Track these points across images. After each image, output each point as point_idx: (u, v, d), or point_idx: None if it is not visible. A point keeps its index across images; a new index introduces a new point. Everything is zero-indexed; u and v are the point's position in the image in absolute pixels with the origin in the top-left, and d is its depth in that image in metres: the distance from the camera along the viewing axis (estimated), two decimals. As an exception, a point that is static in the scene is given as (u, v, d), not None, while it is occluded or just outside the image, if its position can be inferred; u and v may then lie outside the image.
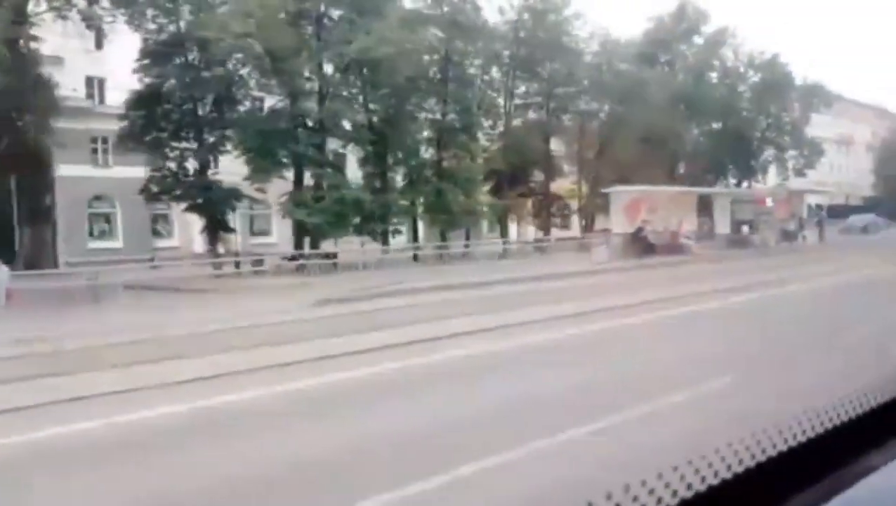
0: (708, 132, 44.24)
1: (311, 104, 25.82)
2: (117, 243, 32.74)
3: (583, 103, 38.45)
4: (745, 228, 27.63)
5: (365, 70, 25.57)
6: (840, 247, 29.34)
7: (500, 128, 34.13)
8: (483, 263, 25.32)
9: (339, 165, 26.73)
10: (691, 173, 41.86)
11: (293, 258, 26.32)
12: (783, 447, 0.87)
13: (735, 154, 44.46)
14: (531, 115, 36.99)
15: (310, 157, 25.34)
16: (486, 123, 34.30)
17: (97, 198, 32.30)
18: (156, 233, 34.24)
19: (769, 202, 29.34)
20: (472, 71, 34.30)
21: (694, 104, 42.84)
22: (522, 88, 37.08)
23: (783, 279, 15.61)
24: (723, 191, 28.68)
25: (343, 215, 26.02)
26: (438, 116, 30.17)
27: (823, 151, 47.18)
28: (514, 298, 14.56)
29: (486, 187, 34.61)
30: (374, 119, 27.93)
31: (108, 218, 33.82)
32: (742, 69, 44.39)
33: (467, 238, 32.40)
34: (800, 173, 46.19)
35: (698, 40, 45.15)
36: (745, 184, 47.06)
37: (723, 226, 27.37)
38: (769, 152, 47.03)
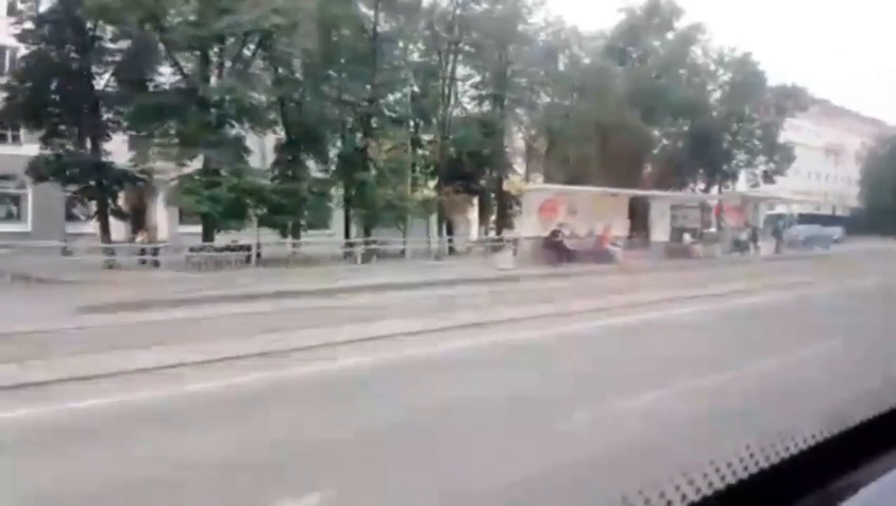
0: (675, 133, 41.74)
1: (208, 80, 23.27)
2: (25, 227, 30.51)
3: (535, 96, 36.00)
4: (687, 237, 25.15)
5: (264, 43, 22.96)
6: (790, 260, 26.99)
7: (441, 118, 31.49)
8: (389, 264, 22.76)
9: (238, 149, 24.06)
10: (657, 176, 39.40)
11: (202, 250, 23.74)
12: (785, 455, 0.88)
13: (704, 157, 42.00)
14: (486, 106, 34.53)
15: (205, 139, 22.72)
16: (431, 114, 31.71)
17: (3, 177, 29.90)
18: (72, 217, 31.72)
19: (717, 209, 26.86)
20: (416, 56, 31.82)
21: (661, 102, 40.39)
22: (476, 78, 34.58)
23: (676, 300, 13.19)
24: (660, 194, 26.14)
25: (240, 205, 23.46)
26: (364, 101, 27.60)
27: (794, 157, 44.62)
28: (364, 311, 12.13)
29: (433, 182, 32.27)
30: (286, 101, 25.45)
31: (15, 199, 31.58)
32: (712, 67, 41.83)
33: (414, 235, 29.69)
34: (769, 179, 43.67)
35: (670, 36, 42.65)
36: (714, 189, 44.64)
37: (661, 233, 24.85)
38: (741, 156, 44.54)
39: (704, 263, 23.24)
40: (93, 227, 31.53)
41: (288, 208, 24.99)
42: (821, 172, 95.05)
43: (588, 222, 21.82)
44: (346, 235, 28.92)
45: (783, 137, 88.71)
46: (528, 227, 20.27)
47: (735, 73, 41.65)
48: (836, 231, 44.94)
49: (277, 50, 23.20)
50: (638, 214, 24.93)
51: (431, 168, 31.94)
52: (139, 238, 27.54)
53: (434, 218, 31.60)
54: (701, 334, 9.86)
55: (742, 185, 44.80)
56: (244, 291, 14.20)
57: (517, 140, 37.78)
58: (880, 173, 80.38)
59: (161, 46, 23.44)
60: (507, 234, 31.21)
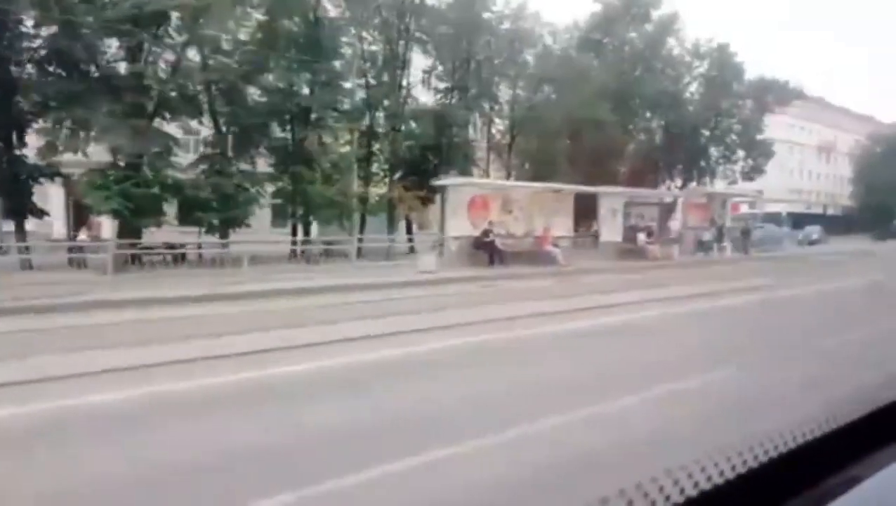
0: (651, 128, 39.96)
1: (118, 63, 21.56)
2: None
3: (499, 88, 34.24)
4: (642, 237, 23.36)
5: (184, 25, 21.23)
6: (753, 262, 25.25)
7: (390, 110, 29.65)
8: (325, 266, 21.02)
9: (159, 140, 22.31)
10: (631, 173, 37.62)
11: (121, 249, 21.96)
12: (774, 454, 0.87)
13: (680, 153, 40.25)
14: (450, 98, 32.74)
15: (115, 127, 20.94)
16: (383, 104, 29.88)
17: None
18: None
19: (678, 207, 25.01)
20: (372, 45, 30.04)
21: (636, 96, 38.68)
22: (438, 68, 32.79)
23: (609, 307, 11.51)
24: (610, 190, 24.31)
25: (155, 201, 21.72)
26: (303, 89, 25.85)
27: (773, 153, 42.78)
28: (211, 324, 10.37)
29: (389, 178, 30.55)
30: (212, 88, 23.72)
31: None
32: (687, 58, 40.01)
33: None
34: (748, 177, 41.86)
35: (648, 28, 40.87)
36: (692, 186, 42.87)
37: (613, 232, 23.02)
38: (719, 153, 42.75)
39: (655, 266, 21.47)
40: (32, 224, 29.92)
41: (211, 205, 23.28)
42: (812, 171, 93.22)
43: (526, 221, 20.01)
44: (294, 233, 27.23)
45: (775, 133, 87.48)
46: (454, 226, 18.39)
47: (711, 65, 39.84)
48: (815, 230, 43.22)
49: (198, 34, 21.40)
50: (588, 212, 23.18)
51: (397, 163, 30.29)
52: (81, 236, 25.81)
53: (400, 215, 30.02)
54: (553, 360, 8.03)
55: (720, 182, 43.07)
56: (99, 297, 12.45)
57: (482, 134, 36.09)
58: (874, 172, 78.50)
59: (86, 31, 21.71)
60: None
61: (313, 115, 25.86)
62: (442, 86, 32.58)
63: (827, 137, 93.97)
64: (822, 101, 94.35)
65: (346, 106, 27.31)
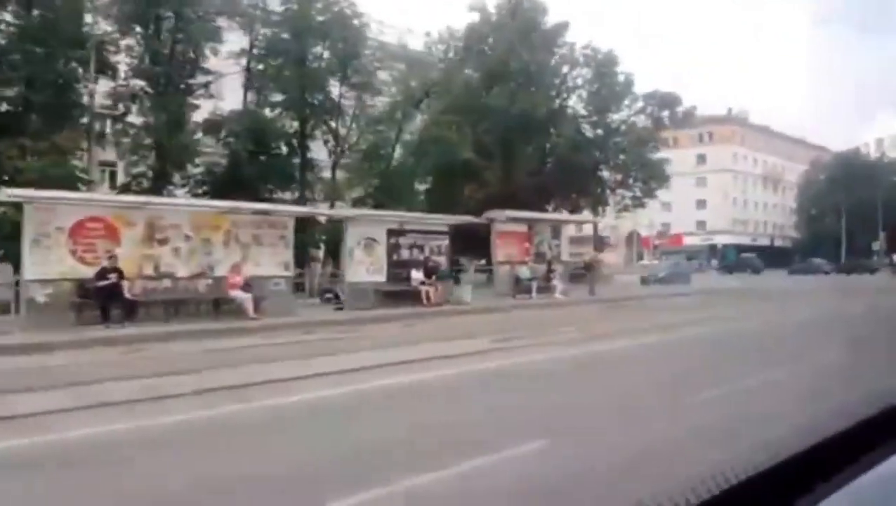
0: (524, 151, 34.30)
1: None
2: None
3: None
4: (417, 275, 17.50)
5: None
6: (584, 306, 19.44)
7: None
8: None
9: None
10: (523, 199, 32.05)
11: None
12: (765, 467, 0.86)
13: (568, 176, 34.66)
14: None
15: None
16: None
17: None
18: None
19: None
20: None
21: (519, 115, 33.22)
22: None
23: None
24: (359, 213, 18.49)
25: None
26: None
27: (669, 177, 37.43)
28: None
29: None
30: None
31: None
32: (565, 69, 34.81)
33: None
34: (638, 203, 36.40)
35: (534, 39, 35.66)
36: (584, 214, 37.35)
37: (370, 271, 16.94)
38: (612, 175, 37.35)
39: (419, 316, 15.58)
40: None
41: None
42: (758, 201, 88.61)
43: (200, 255, 13.96)
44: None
45: (718, 162, 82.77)
46: (38, 263, 12.12)
47: (594, 76, 34.67)
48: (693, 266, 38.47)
49: None
50: (330, 244, 17.28)
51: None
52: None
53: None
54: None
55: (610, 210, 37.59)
56: None
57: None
58: (818, 201, 73.97)
59: None
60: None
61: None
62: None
63: (776, 167, 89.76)
64: (767, 129, 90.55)
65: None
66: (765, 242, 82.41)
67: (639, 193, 35.88)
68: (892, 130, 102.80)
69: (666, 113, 35.96)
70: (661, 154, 36.87)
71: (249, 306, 14.08)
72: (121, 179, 22.51)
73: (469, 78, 34.40)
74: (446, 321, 14.97)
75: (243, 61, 26.24)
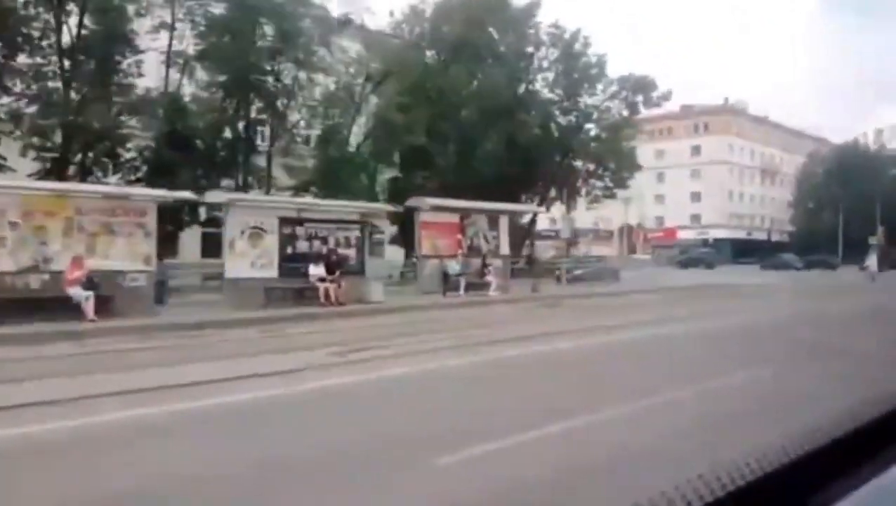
0: (486, 137, 32.00)
1: None
2: None
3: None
4: (316, 270, 15.30)
5: None
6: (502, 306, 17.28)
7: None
8: None
9: None
10: (484, 188, 29.93)
11: None
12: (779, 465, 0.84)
13: (535, 165, 32.43)
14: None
15: None
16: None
17: None
18: None
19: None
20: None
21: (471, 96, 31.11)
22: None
23: None
24: (240, 198, 16.36)
25: None
26: None
27: (640, 166, 35.03)
28: None
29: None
30: None
31: None
32: (530, 49, 32.50)
33: None
34: (609, 194, 34.11)
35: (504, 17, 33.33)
36: (555, 207, 35.21)
37: (252, 265, 14.70)
38: (584, 166, 35.06)
39: (302, 319, 13.47)
40: None
41: None
42: (755, 195, 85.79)
43: (35, 245, 11.88)
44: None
45: (713, 154, 79.88)
46: None
47: (562, 56, 32.36)
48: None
49: None
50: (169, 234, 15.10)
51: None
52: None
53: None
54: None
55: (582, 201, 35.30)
56: None
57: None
58: (816, 194, 71.22)
59: None
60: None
61: None
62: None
63: (773, 159, 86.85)
64: (765, 120, 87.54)
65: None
66: (762, 236, 79.49)
67: (610, 183, 33.58)
68: (893, 120, 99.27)
69: (640, 98, 33.60)
70: (634, 142, 34.52)
71: (88, 306, 12.00)
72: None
73: (429, 59, 32.27)
74: (324, 325, 12.86)
75: (166, 36, 24.08)
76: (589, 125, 33.53)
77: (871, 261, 30.46)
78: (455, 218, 19.05)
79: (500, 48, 32.10)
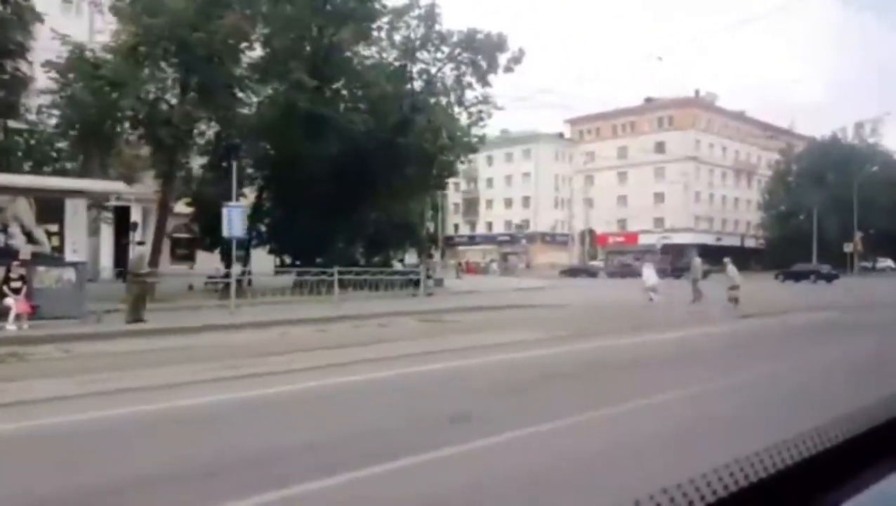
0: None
1: None
2: None
3: None
4: None
5: None
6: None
7: None
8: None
9: None
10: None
11: None
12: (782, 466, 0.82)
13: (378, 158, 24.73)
14: None
15: None
16: None
17: None
18: None
19: None
20: None
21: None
22: None
23: None
24: None
25: None
26: None
27: (476, 148, 27.26)
28: None
29: None
30: None
31: None
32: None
33: None
34: (439, 184, 26.46)
35: None
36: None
37: None
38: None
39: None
40: None
41: None
42: (727, 196, 76.91)
43: None
44: None
45: (678, 150, 71.08)
46: None
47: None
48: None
49: None
50: None
51: None
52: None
53: None
54: None
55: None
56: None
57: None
58: (788, 196, 62.60)
59: None
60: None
61: None
62: None
63: (749, 156, 77.96)
64: (741, 115, 78.81)
65: None
66: (734, 241, 70.11)
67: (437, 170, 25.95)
68: (872, 113, 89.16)
69: (483, 61, 26.03)
70: (480, 119, 26.90)
71: None
72: None
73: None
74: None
75: None
76: (417, 88, 26.04)
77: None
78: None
79: None
